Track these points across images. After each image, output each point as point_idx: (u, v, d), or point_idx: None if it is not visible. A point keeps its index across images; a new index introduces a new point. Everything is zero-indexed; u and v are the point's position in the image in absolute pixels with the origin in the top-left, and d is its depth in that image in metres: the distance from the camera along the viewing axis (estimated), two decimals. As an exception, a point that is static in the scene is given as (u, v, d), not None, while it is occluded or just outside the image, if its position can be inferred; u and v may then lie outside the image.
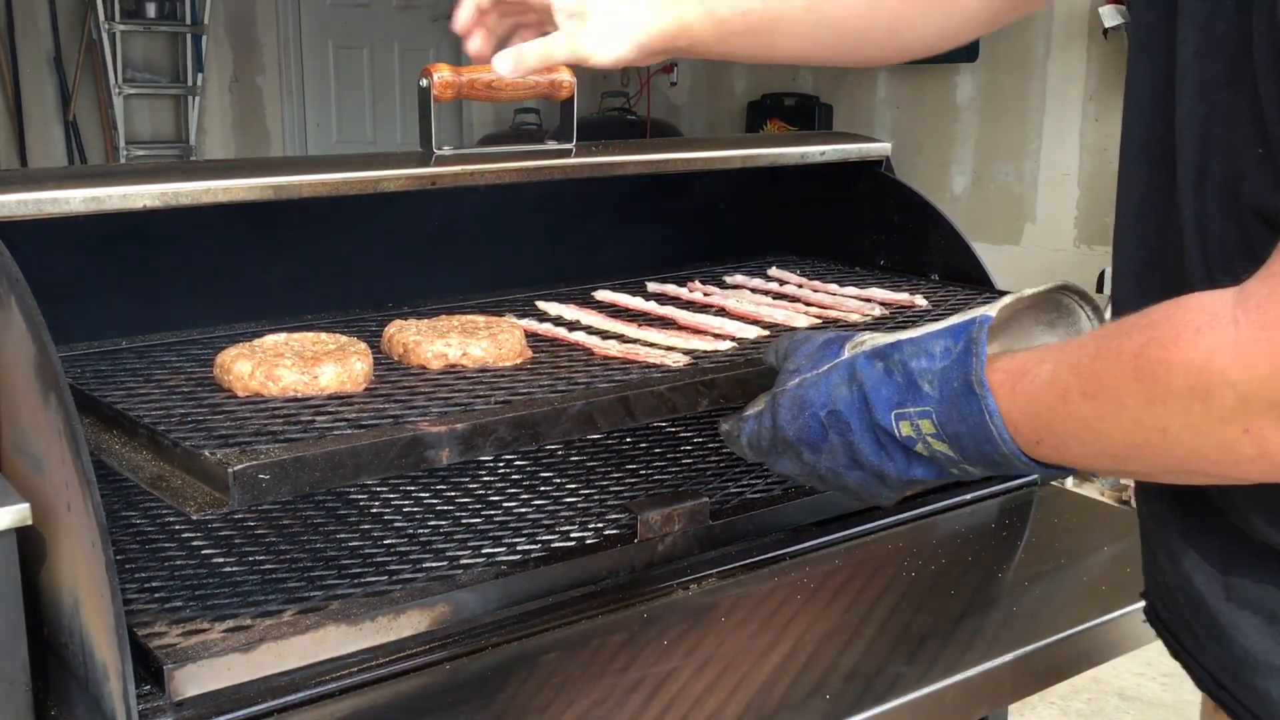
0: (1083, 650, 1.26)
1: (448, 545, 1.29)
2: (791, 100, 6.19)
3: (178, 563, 1.23)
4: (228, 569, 1.22)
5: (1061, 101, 4.83)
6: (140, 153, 6.82)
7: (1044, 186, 5.06)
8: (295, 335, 1.29)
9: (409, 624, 1.14)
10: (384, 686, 1.09)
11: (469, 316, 1.41)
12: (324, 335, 1.30)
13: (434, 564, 1.24)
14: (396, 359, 1.30)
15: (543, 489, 1.47)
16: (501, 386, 1.20)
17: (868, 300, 1.60)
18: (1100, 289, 4.16)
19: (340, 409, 1.12)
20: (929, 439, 0.96)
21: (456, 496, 1.44)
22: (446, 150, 1.44)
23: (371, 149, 7.33)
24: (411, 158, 1.42)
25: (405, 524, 1.35)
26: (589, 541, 1.30)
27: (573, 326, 1.47)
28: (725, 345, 1.37)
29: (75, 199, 1.13)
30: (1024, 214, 5.17)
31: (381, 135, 7.65)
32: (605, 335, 1.43)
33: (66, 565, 0.99)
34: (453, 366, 1.26)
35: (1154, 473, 0.86)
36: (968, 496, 1.54)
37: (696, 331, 1.44)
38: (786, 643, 1.19)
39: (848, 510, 1.45)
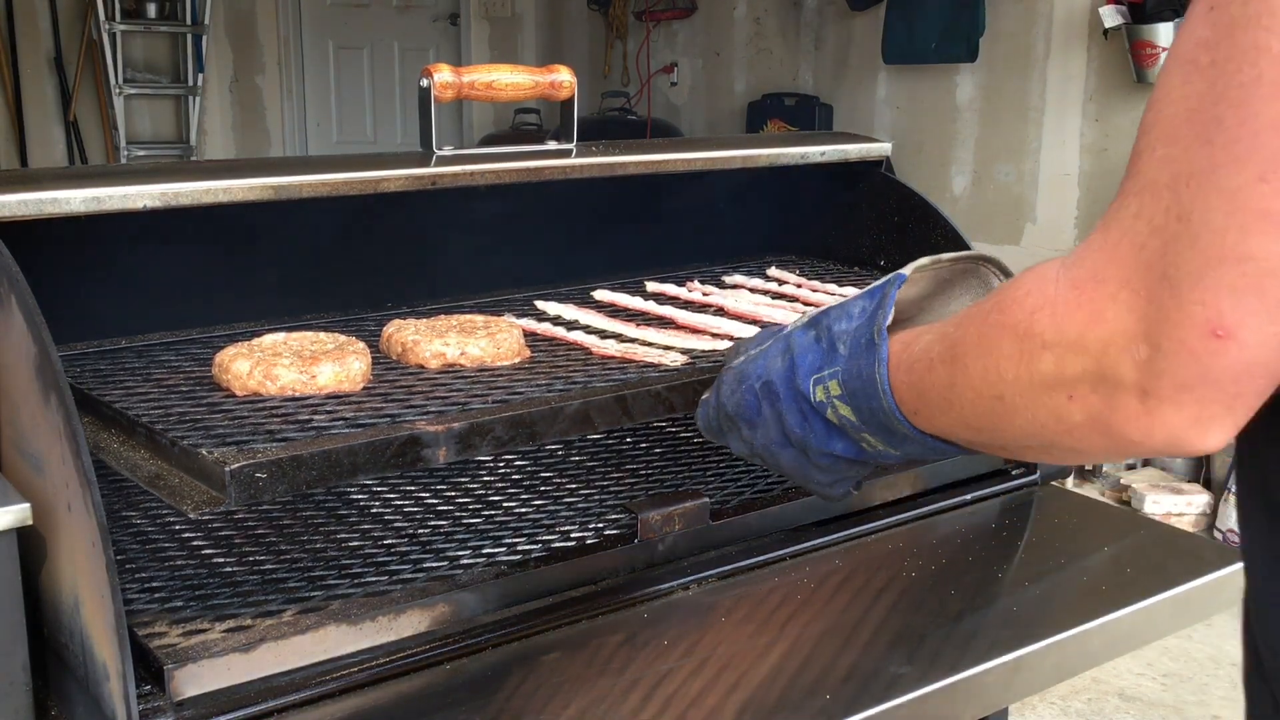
0: (1083, 650, 1.26)
1: (448, 545, 1.29)
2: (791, 100, 6.18)
3: (178, 562, 1.23)
4: (228, 569, 1.22)
5: (1061, 101, 4.83)
6: (140, 153, 6.83)
7: (1044, 186, 5.06)
8: (294, 335, 1.29)
9: (409, 624, 1.14)
10: (384, 686, 1.09)
11: (467, 316, 1.41)
12: (322, 335, 1.30)
13: (434, 564, 1.24)
14: (395, 358, 1.30)
15: (543, 489, 1.47)
16: (499, 386, 1.20)
17: (867, 300, 1.60)
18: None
19: (338, 408, 1.12)
20: (835, 401, 0.94)
21: (456, 496, 1.44)
22: (447, 150, 1.44)
23: (371, 149, 7.33)
24: (412, 158, 1.42)
25: (405, 524, 1.35)
26: (589, 541, 1.30)
27: (571, 326, 1.47)
28: (723, 345, 1.37)
29: (75, 199, 1.13)
30: (1024, 214, 5.16)
31: (381, 135, 7.66)
32: (604, 335, 1.42)
33: (66, 565, 0.99)
34: (451, 366, 1.26)
35: (1009, 445, 0.83)
36: (968, 497, 1.54)
37: (695, 331, 1.44)
38: (786, 642, 1.19)
39: (848, 510, 1.45)
